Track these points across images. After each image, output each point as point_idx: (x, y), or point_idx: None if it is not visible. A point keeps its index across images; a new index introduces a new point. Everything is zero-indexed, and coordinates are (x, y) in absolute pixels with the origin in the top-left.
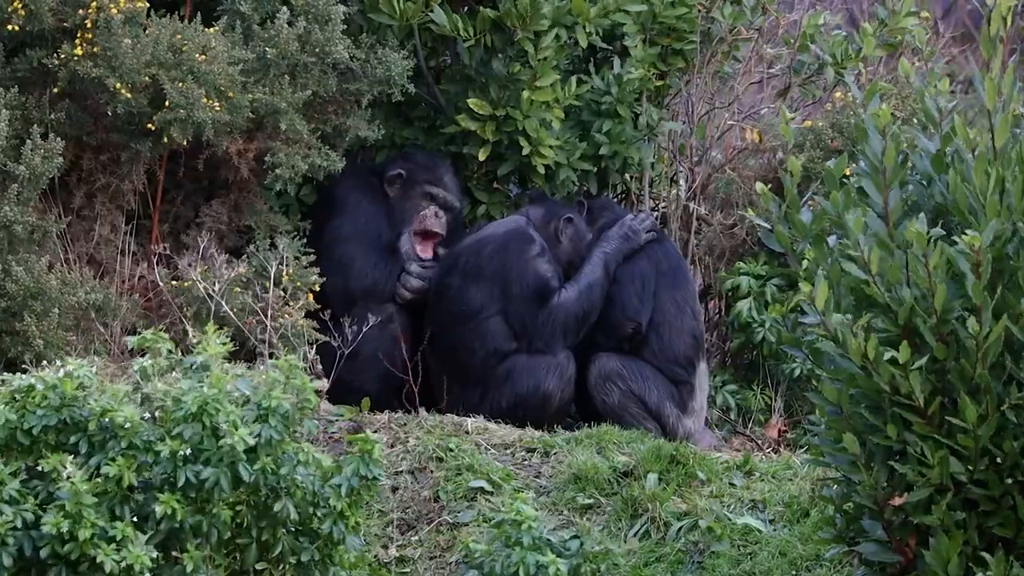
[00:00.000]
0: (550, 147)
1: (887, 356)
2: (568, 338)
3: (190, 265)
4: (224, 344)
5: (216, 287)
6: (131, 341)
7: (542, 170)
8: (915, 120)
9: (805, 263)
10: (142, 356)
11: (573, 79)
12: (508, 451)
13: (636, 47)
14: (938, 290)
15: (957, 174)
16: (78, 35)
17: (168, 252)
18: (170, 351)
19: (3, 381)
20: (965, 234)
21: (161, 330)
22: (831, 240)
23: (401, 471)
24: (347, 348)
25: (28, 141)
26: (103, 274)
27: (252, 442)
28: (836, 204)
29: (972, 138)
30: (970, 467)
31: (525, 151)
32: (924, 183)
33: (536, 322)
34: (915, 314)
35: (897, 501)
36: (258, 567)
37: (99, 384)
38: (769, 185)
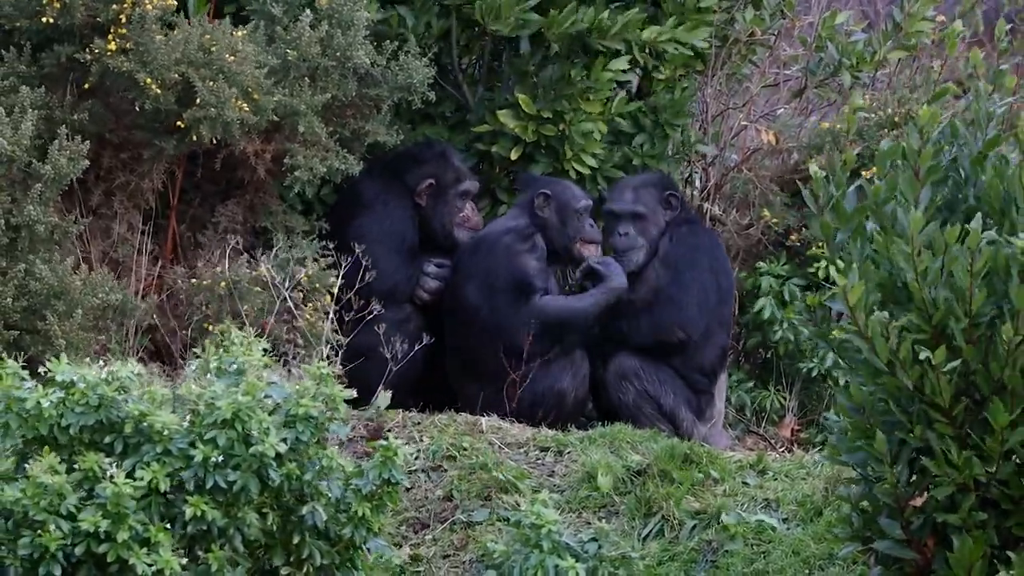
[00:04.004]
0: (592, 155)
1: (922, 355)
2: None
3: (205, 266)
4: (265, 353)
5: (236, 285)
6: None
7: (574, 175)
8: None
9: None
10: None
11: (622, 94)
12: (522, 450)
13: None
14: (978, 295)
15: (996, 174)
16: (111, 30)
17: (195, 244)
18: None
19: (47, 371)
20: (1018, 237)
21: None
22: (869, 226)
23: (415, 470)
24: (391, 362)
25: (55, 141)
26: (120, 273)
27: (282, 449)
28: (877, 194)
29: None
30: (989, 469)
31: (568, 156)
32: (962, 183)
33: (513, 316)
34: (950, 315)
35: (918, 501)
36: (283, 572)
37: (139, 385)
38: (794, 185)
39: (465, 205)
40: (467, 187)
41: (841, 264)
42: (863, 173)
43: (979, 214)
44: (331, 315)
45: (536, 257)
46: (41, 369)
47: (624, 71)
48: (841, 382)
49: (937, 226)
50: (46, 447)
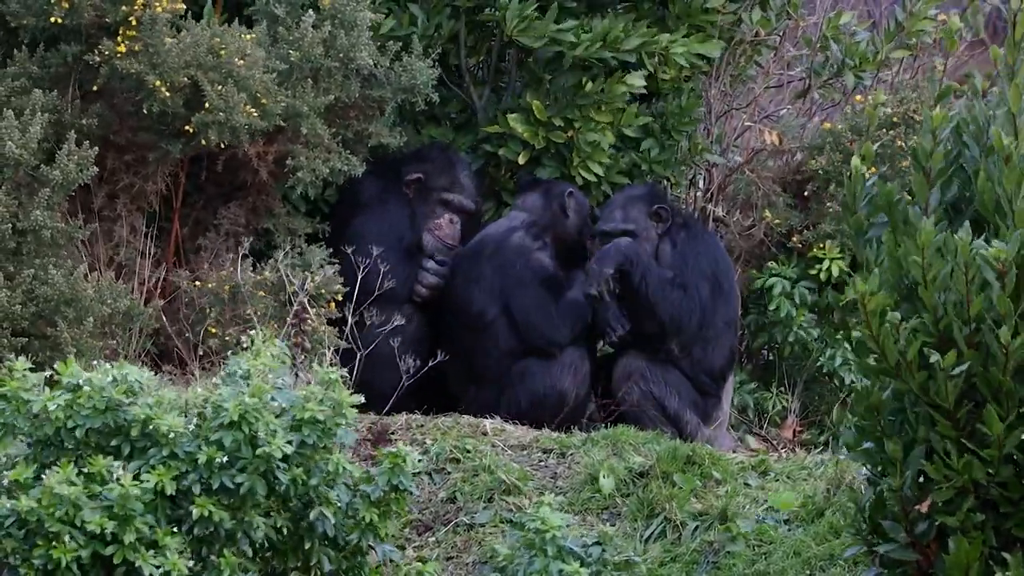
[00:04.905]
0: (599, 163)
1: (933, 359)
2: (571, 332)
3: (208, 269)
4: (276, 356)
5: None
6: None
7: (580, 181)
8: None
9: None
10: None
11: (632, 107)
12: (524, 452)
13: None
14: (975, 299)
15: (987, 177)
16: (120, 32)
17: (198, 247)
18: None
19: (55, 374)
20: (992, 245)
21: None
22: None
23: (418, 472)
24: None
25: (64, 147)
26: (124, 276)
27: (289, 451)
28: (891, 193)
29: (1007, 145)
30: (991, 470)
31: (575, 163)
32: (966, 184)
33: (543, 313)
34: (951, 319)
35: (924, 506)
36: None
37: (149, 389)
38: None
39: (444, 214)
40: (452, 197)
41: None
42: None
43: (967, 222)
44: (339, 320)
45: (548, 255)
46: (48, 372)
47: (637, 86)
48: (847, 381)
49: (944, 229)
50: (64, 459)
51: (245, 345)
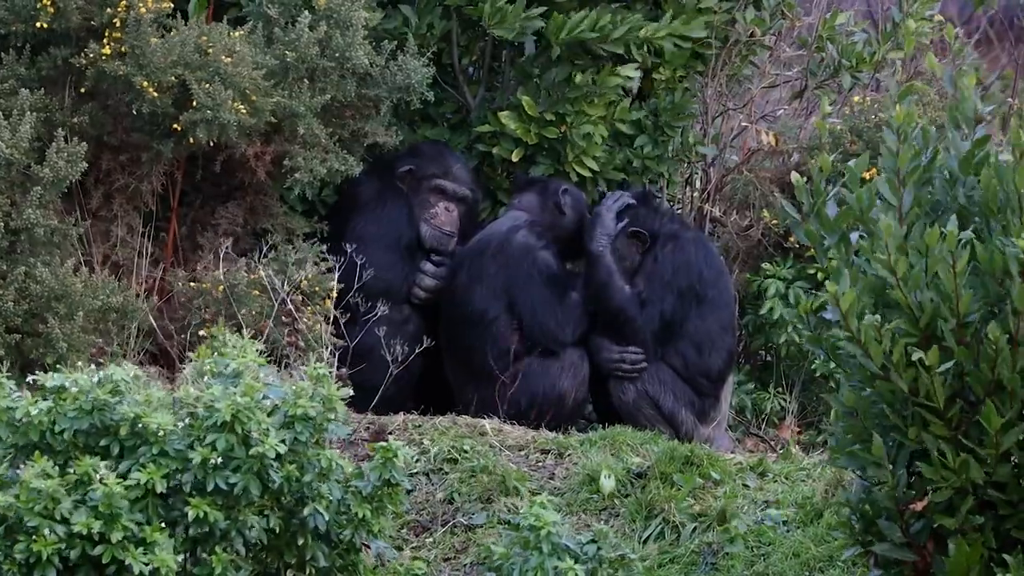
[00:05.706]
0: (593, 158)
1: (915, 356)
2: (576, 332)
3: (205, 269)
4: (261, 354)
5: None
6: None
7: (575, 177)
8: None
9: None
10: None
11: (626, 101)
12: (522, 452)
13: (672, 50)
14: (963, 296)
15: (992, 172)
16: (106, 34)
17: (196, 247)
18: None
19: (36, 380)
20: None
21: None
22: (853, 237)
23: (416, 473)
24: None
25: (53, 144)
26: (121, 276)
27: (283, 450)
28: (860, 200)
29: None
30: (987, 471)
31: (570, 158)
32: (949, 184)
33: (550, 312)
34: (937, 317)
35: (919, 506)
36: (286, 575)
37: (134, 387)
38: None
39: (439, 202)
40: (445, 184)
41: (832, 268)
42: (864, 175)
43: (954, 215)
44: (331, 318)
45: (552, 253)
46: (30, 377)
47: (631, 78)
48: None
49: (922, 228)
50: (37, 452)
51: (230, 344)
